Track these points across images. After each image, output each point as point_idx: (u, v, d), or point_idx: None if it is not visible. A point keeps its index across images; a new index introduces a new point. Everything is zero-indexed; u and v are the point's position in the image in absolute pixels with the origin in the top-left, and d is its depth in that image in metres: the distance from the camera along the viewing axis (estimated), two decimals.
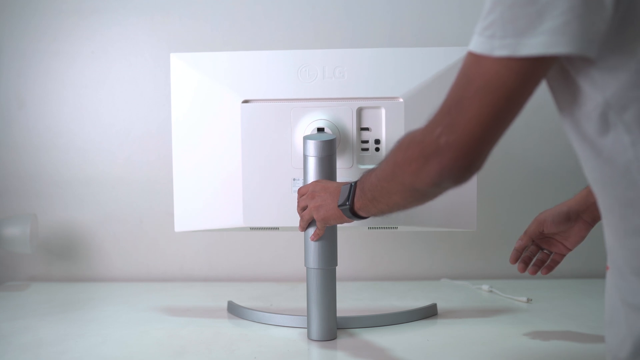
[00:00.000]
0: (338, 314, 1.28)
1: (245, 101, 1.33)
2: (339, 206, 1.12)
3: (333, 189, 1.16)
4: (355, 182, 1.09)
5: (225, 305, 1.49)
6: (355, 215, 1.10)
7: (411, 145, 0.84)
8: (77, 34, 1.84)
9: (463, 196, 1.36)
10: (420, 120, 1.31)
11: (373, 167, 1.04)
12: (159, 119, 1.82)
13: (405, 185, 0.87)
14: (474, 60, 0.76)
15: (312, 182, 1.22)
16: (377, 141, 1.34)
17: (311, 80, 1.33)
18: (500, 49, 0.74)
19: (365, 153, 1.34)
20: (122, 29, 1.84)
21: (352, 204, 1.09)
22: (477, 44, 0.76)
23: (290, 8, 1.81)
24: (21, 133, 1.85)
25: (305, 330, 1.28)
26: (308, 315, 1.25)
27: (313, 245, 1.23)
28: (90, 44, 1.84)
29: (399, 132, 1.32)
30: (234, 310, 1.44)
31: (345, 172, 1.34)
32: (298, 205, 1.23)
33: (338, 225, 1.25)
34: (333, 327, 1.26)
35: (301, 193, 1.22)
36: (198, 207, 1.37)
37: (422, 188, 0.84)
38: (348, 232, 1.78)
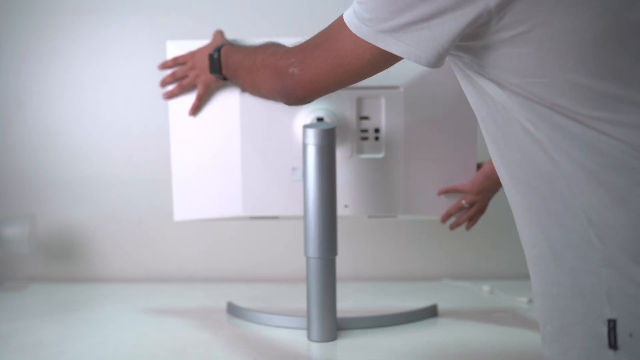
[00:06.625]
0: (338, 315, 1.28)
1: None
2: (210, 72, 1.25)
3: (205, 57, 1.30)
4: (219, 52, 1.21)
5: (224, 305, 1.49)
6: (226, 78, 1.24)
7: (271, 57, 0.99)
8: (75, 33, 1.83)
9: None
10: (420, 109, 1.34)
11: (241, 45, 1.20)
12: (158, 119, 1.81)
13: (254, 82, 1.04)
14: (340, 24, 0.85)
15: (189, 53, 1.35)
16: (377, 130, 1.34)
17: None
18: (357, 29, 0.82)
19: (364, 142, 1.34)
20: (121, 28, 1.83)
21: (221, 72, 1.22)
22: (348, 14, 0.84)
23: (290, 9, 1.81)
24: (20, 133, 1.85)
25: (305, 331, 1.27)
26: (308, 315, 1.25)
27: (313, 234, 1.23)
28: (89, 43, 1.83)
29: (399, 121, 1.33)
30: (234, 311, 1.43)
31: (345, 161, 1.34)
32: (173, 75, 1.37)
33: (338, 216, 1.26)
34: (333, 328, 1.25)
35: (179, 62, 1.37)
36: (197, 196, 1.38)
37: (263, 92, 1.03)
38: (348, 232, 1.77)
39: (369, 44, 0.81)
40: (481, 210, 1.42)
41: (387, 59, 0.83)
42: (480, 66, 0.81)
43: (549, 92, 0.76)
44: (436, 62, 0.80)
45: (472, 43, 0.79)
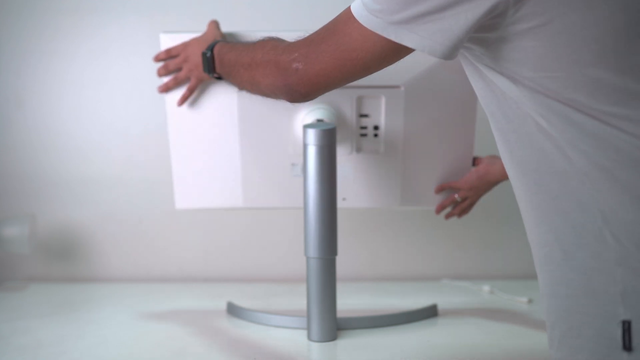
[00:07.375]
0: (338, 315, 1.28)
1: None
2: (203, 71, 1.23)
3: (198, 52, 1.29)
4: (212, 50, 1.18)
5: (224, 306, 1.49)
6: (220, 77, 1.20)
7: (271, 52, 0.94)
8: (75, 33, 1.83)
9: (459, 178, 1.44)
10: (420, 108, 1.34)
11: (236, 41, 1.18)
12: (158, 119, 1.81)
13: (254, 79, 0.99)
14: (347, 16, 0.82)
15: (182, 45, 1.34)
16: (376, 127, 1.35)
17: None
18: (367, 21, 0.79)
19: (363, 139, 1.35)
20: (121, 28, 1.83)
21: (215, 70, 1.19)
22: (355, 5, 0.81)
23: (290, 9, 1.81)
24: (19, 133, 1.84)
25: (305, 331, 1.27)
26: (308, 315, 1.25)
27: (313, 233, 1.23)
28: (89, 43, 1.83)
29: (399, 120, 1.34)
30: (234, 311, 1.43)
31: (345, 159, 1.35)
32: (166, 67, 1.35)
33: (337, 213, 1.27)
34: (333, 327, 1.25)
35: (172, 54, 1.35)
36: (199, 185, 1.39)
37: (263, 89, 0.97)
38: (348, 232, 1.77)
39: (379, 36, 0.79)
40: (472, 204, 1.49)
41: (398, 52, 0.80)
42: (493, 59, 0.79)
43: (564, 86, 0.75)
44: (450, 53, 0.77)
45: (486, 35, 0.77)
